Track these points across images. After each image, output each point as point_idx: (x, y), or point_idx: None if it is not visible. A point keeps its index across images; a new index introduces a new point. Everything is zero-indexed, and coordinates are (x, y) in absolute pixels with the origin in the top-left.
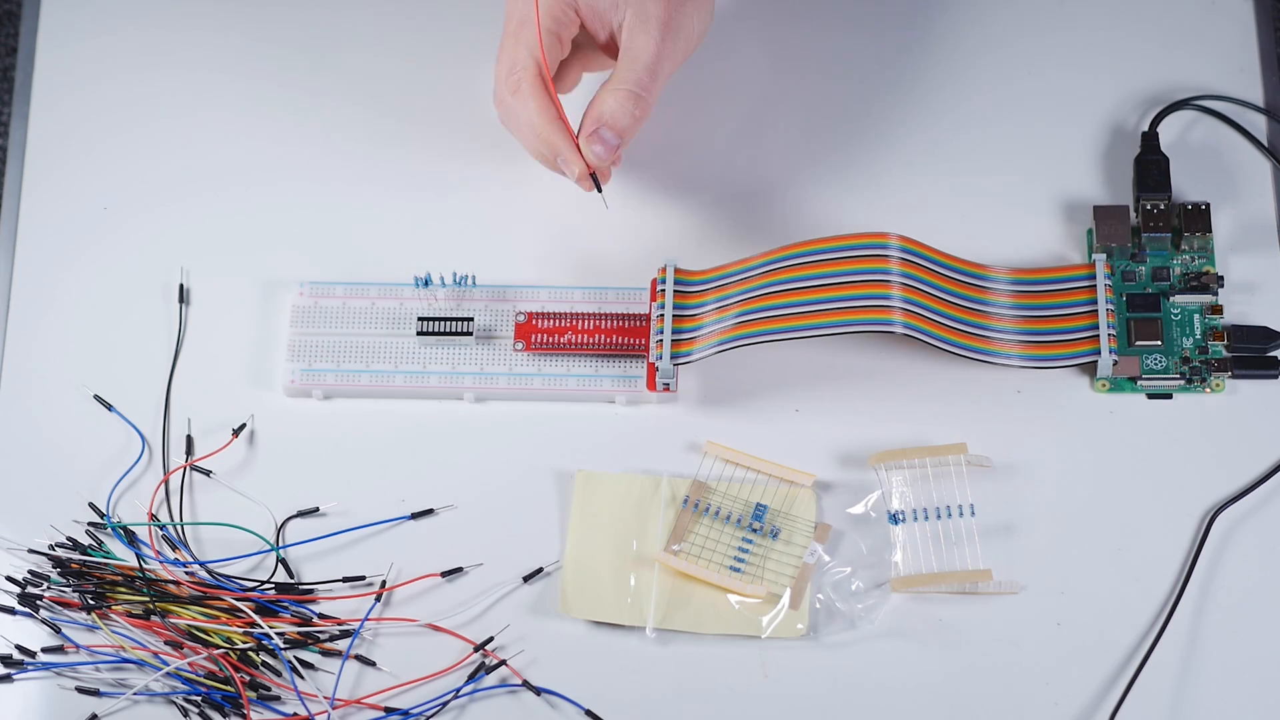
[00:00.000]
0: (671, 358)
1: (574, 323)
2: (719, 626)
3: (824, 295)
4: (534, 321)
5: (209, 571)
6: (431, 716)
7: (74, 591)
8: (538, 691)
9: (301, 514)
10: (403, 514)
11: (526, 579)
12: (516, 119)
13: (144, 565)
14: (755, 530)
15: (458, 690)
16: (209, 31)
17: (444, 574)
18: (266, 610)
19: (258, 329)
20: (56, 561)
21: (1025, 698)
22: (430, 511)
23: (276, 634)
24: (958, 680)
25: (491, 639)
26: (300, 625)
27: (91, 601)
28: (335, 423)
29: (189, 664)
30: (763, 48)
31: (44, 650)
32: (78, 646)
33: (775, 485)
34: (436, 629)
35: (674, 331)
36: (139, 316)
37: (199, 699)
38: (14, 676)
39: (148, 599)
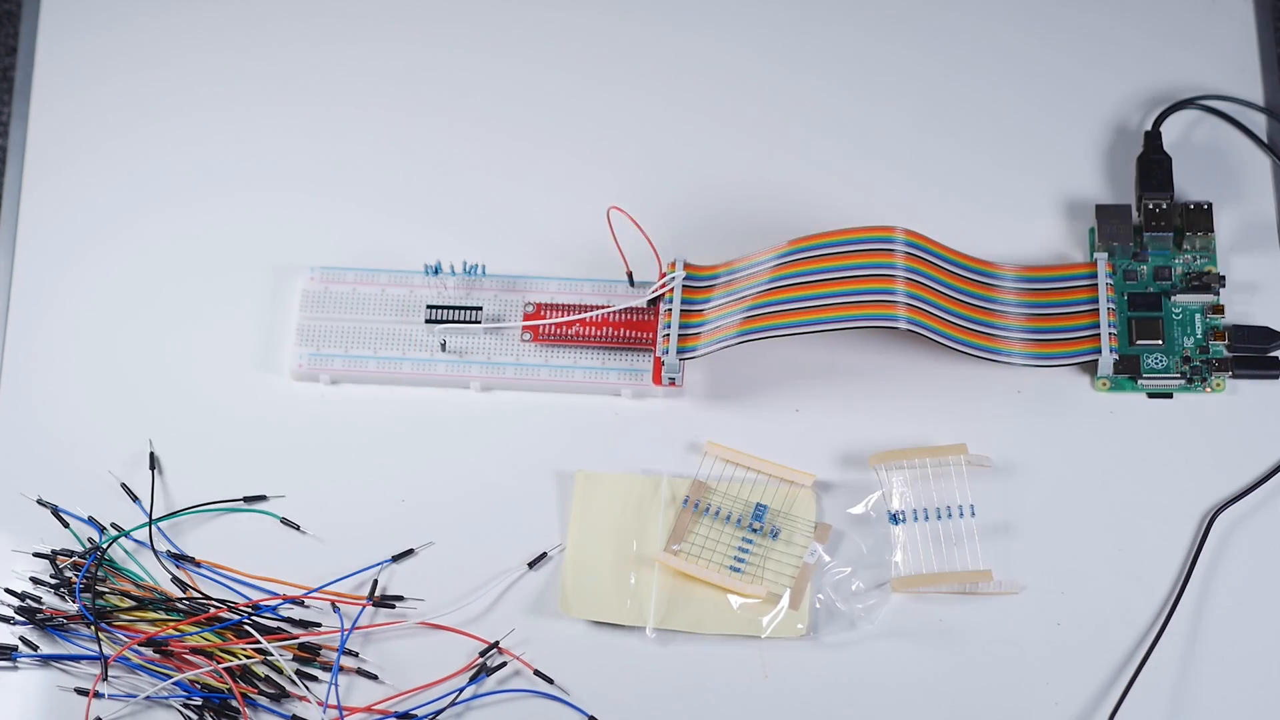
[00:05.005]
0: (678, 352)
1: (582, 314)
2: (719, 626)
3: (828, 290)
4: (542, 312)
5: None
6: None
7: (73, 602)
8: (549, 681)
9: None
10: (389, 555)
11: (531, 565)
12: None
13: (143, 583)
14: (755, 530)
15: (459, 691)
16: (211, 23)
17: (394, 558)
18: (266, 610)
19: (268, 313)
20: (57, 570)
21: (1025, 698)
22: (410, 552)
23: (276, 648)
24: (958, 680)
25: (497, 643)
26: (296, 638)
27: (92, 616)
28: (341, 407)
29: (188, 680)
30: (768, 46)
31: (44, 658)
32: (77, 659)
33: (775, 485)
34: (435, 626)
35: (681, 326)
36: (142, 313)
37: (199, 702)
38: (16, 660)
39: (152, 614)
